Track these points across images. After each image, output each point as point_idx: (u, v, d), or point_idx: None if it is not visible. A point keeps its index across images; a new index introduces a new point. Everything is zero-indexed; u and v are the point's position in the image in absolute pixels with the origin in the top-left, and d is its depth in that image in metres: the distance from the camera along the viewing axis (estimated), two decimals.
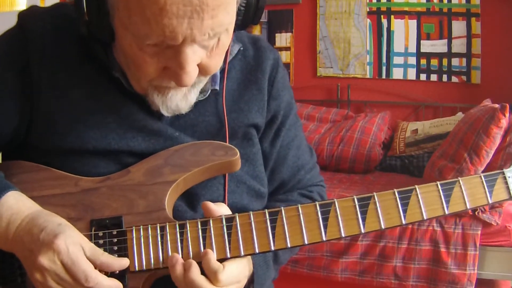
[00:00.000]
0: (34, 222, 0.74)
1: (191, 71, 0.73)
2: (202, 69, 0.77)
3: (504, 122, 2.24)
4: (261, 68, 0.94)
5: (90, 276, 0.71)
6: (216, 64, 0.79)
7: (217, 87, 0.88)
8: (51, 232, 0.72)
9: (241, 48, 0.93)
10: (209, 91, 0.87)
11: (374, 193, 0.78)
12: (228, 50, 0.87)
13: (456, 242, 2.23)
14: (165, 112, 0.82)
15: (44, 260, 0.70)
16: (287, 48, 3.83)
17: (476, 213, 2.22)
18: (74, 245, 0.72)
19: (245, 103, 0.92)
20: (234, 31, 0.80)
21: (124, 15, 0.70)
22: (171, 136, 0.85)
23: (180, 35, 0.69)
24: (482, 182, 0.80)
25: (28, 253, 0.72)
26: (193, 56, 0.73)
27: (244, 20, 0.82)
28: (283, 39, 3.84)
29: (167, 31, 0.68)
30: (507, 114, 2.25)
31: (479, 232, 2.22)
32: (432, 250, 2.26)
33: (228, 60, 0.90)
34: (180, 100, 0.81)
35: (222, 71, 0.89)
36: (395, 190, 0.79)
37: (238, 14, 0.79)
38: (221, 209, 0.79)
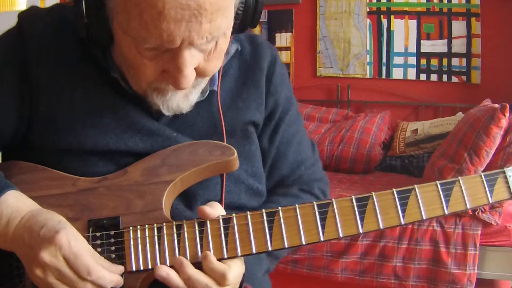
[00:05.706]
0: (34, 219, 0.74)
1: (189, 75, 0.74)
2: (200, 72, 0.77)
3: (504, 122, 2.23)
4: (259, 65, 0.95)
5: (93, 269, 0.71)
6: (213, 67, 0.79)
7: (215, 88, 0.89)
8: (52, 228, 0.72)
9: (239, 48, 0.93)
10: (208, 91, 0.87)
11: (373, 193, 0.77)
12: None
13: (456, 242, 2.23)
14: (166, 112, 0.82)
15: (46, 255, 0.70)
16: (287, 48, 3.83)
17: (476, 213, 2.21)
18: (75, 240, 0.72)
19: (242, 101, 0.92)
20: (232, 34, 0.80)
21: (123, 18, 0.71)
22: (169, 136, 0.85)
23: (178, 38, 0.69)
24: (483, 181, 0.79)
25: (28, 249, 0.72)
26: (191, 59, 0.73)
27: (242, 24, 0.82)
28: (283, 39, 3.83)
29: (165, 35, 0.69)
30: (507, 114, 2.24)
31: (479, 232, 2.22)
32: (432, 250, 2.26)
33: (225, 60, 0.90)
34: (182, 100, 0.82)
35: (218, 71, 0.89)
36: (394, 190, 0.78)
37: (236, 18, 0.79)
38: (217, 211, 0.79)
